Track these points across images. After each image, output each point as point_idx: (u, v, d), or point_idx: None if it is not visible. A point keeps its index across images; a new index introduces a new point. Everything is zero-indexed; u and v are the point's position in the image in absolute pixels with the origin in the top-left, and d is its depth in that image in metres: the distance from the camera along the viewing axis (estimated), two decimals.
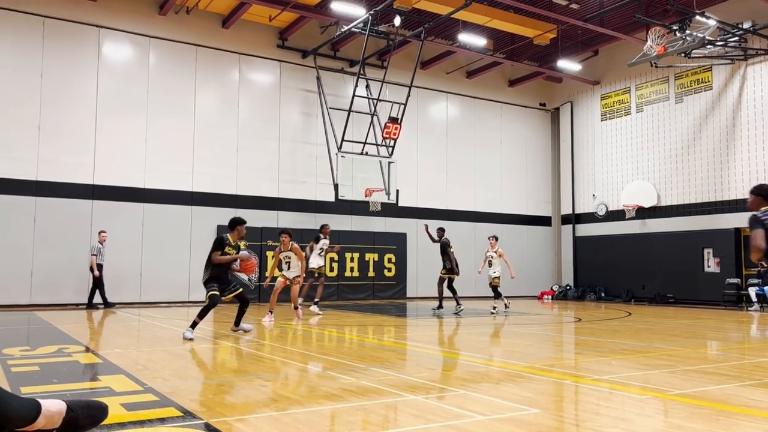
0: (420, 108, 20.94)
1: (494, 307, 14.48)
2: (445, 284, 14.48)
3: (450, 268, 14.37)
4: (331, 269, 18.25)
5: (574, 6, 17.87)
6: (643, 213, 20.60)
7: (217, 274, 8.98)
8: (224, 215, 16.63)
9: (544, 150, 24.05)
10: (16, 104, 15.12)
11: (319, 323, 11.83)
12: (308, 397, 5.02)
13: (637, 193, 20.69)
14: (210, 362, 7.21)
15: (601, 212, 22.01)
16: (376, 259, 19.78)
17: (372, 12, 15.99)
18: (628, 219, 20.89)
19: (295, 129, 18.94)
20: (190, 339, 8.52)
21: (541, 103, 23.97)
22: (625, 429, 3.99)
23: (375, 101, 18.42)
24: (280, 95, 18.77)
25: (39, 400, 3.22)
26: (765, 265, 13.68)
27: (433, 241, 14.82)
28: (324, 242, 14.12)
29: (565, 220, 23.46)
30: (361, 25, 16.56)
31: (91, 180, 15.84)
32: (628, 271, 20.67)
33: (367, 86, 19.16)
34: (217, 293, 8.91)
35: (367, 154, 18.03)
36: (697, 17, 15.67)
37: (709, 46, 16.74)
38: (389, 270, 20.02)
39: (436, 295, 14.85)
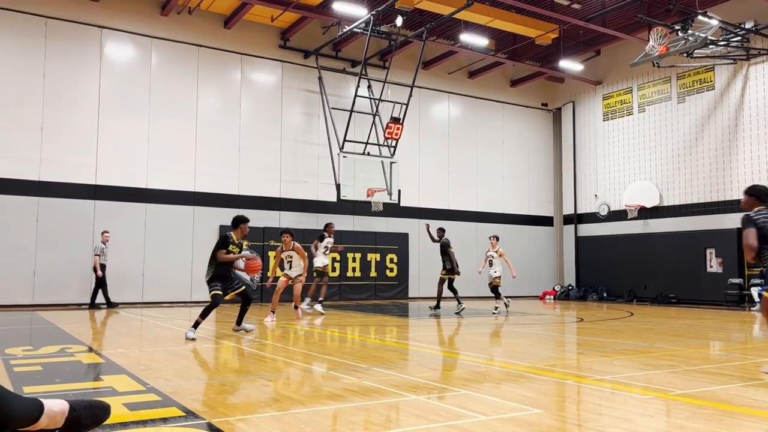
0: (422, 108, 20.93)
1: (496, 308, 14.47)
2: (446, 285, 14.50)
3: (450, 268, 14.37)
4: (333, 269, 18.24)
5: (576, 6, 17.86)
6: (645, 213, 20.58)
7: (221, 273, 8.99)
8: (226, 215, 16.61)
9: (546, 150, 24.03)
10: (18, 104, 15.15)
11: (321, 323, 11.84)
12: (310, 397, 5.02)
13: (639, 193, 20.67)
14: (212, 362, 7.22)
15: (603, 212, 21.99)
16: (378, 259, 19.78)
17: (374, 12, 16.00)
18: (631, 219, 20.87)
19: (297, 129, 18.95)
20: (192, 339, 8.53)
21: (543, 103, 23.96)
22: (627, 429, 3.99)
23: (377, 101, 18.42)
24: (282, 95, 18.78)
25: (41, 399, 3.22)
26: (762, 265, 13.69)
27: (434, 240, 14.82)
28: (328, 240, 14.22)
29: (567, 220, 23.44)
30: (363, 25, 16.56)
31: (93, 180, 15.87)
32: (631, 271, 20.65)
33: (369, 86, 19.16)
34: (220, 293, 8.92)
35: (369, 154, 18.04)
36: (700, 17, 15.65)
37: (711, 46, 16.72)
38: (391, 270, 20.02)
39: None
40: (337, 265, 18.71)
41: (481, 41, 18.50)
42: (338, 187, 17.24)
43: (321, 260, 14.14)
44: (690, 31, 15.66)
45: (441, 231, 14.73)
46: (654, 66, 19.03)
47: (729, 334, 10.80)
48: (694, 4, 15.95)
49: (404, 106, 18.08)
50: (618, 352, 8.05)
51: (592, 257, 22.33)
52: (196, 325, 8.79)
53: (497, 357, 7.84)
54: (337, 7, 16.18)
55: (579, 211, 23.01)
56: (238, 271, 9.42)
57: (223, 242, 9.00)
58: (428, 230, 15.07)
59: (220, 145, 17.62)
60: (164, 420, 4.07)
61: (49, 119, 15.44)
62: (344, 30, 17.31)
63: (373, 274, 19.69)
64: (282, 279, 12.10)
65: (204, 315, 8.86)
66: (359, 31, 17.04)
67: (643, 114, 20.96)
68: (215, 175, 17.46)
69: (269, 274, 12.91)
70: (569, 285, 22.77)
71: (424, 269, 19.98)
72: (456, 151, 21.75)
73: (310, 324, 11.55)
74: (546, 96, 23.97)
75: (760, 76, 17.81)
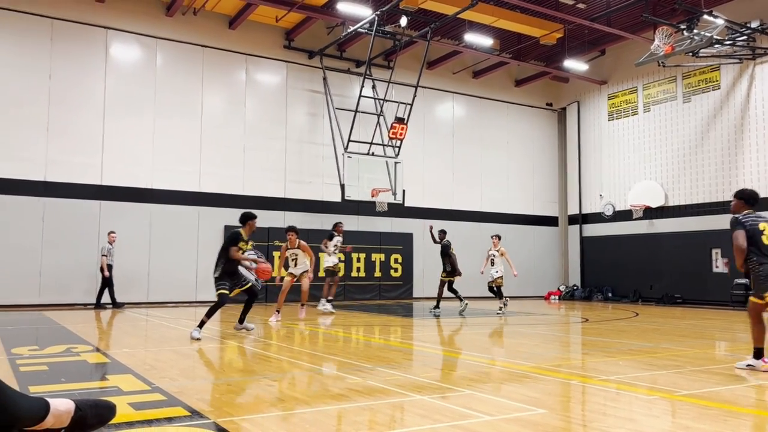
0: (426, 108, 20.92)
1: (500, 308, 14.47)
2: (446, 287, 14.54)
3: (450, 270, 14.41)
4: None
5: (580, 5, 17.82)
6: (650, 213, 20.52)
7: (230, 269, 9.05)
8: (231, 215, 16.68)
9: (551, 150, 23.99)
10: (24, 105, 15.21)
11: (321, 323, 11.84)
12: (315, 396, 5.03)
13: (645, 193, 20.61)
14: (217, 362, 7.24)
15: (609, 212, 21.94)
16: (383, 259, 19.79)
17: (378, 12, 16.00)
18: (636, 219, 20.81)
19: (301, 129, 18.97)
20: (198, 339, 8.55)
21: (548, 103, 23.91)
22: (632, 429, 3.98)
23: (381, 101, 18.42)
24: (287, 96, 18.80)
25: (47, 399, 3.24)
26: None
27: (435, 242, 14.86)
28: (338, 239, 14.31)
29: (572, 220, 23.40)
30: (368, 25, 16.57)
31: (98, 180, 15.92)
32: (636, 271, 20.59)
33: (374, 86, 19.15)
34: (227, 292, 8.95)
35: (373, 154, 18.04)
36: (705, 16, 15.59)
37: (717, 46, 16.65)
38: (395, 270, 20.03)
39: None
40: (341, 265, 18.64)
41: (485, 41, 18.48)
42: (343, 187, 17.24)
43: (331, 259, 14.23)
44: (695, 31, 15.60)
45: (442, 233, 14.74)
46: (659, 65, 18.95)
47: (735, 335, 10.75)
48: (699, 3, 15.89)
49: (409, 106, 18.08)
50: (623, 352, 8.04)
51: (597, 257, 22.28)
52: (201, 324, 8.82)
53: (501, 357, 7.84)
54: (342, 8, 16.18)
55: (584, 211, 22.96)
56: (243, 270, 9.46)
57: (234, 239, 9.04)
58: (431, 232, 15.10)
59: (225, 146, 17.65)
60: (169, 419, 4.08)
61: (55, 120, 15.50)
62: (349, 30, 17.32)
63: (377, 274, 19.70)
64: (287, 279, 12.10)
65: (209, 314, 8.89)
66: (364, 31, 17.04)
67: (648, 114, 20.90)
68: (220, 175, 17.49)
69: (275, 273, 12.93)
70: (574, 285, 22.72)
71: (428, 269, 19.97)
72: (460, 151, 21.73)
73: (314, 324, 11.55)
74: (551, 96, 23.93)
75: (766, 76, 17.73)
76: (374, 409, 4.49)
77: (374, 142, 18.04)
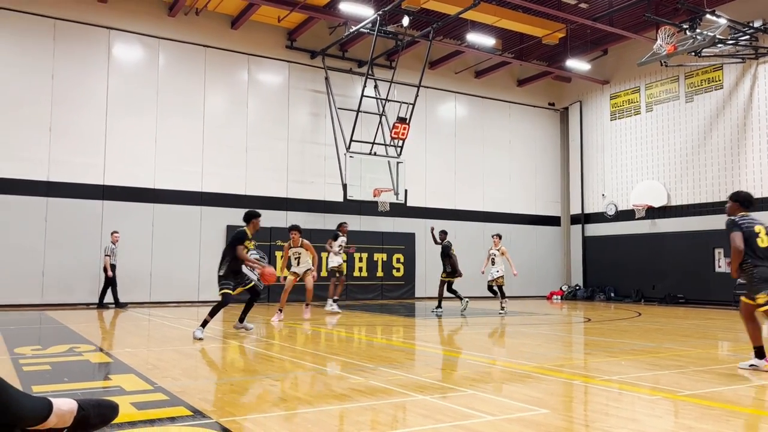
0: (428, 108, 20.92)
1: (503, 308, 14.47)
2: (446, 287, 14.57)
3: (450, 271, 14.43)
4: None
5: (583, 5, 17.80)
6: (653, 213, 20.49)
7: (235, 267, 9.10)
8: (233, 215, 16.72)
9: (553, 150, 23.98)
10: (27, 105, 15.24)
11: (328, 323, 11.85)
12: (317, 396, 5.03)
13: (647, 193, 20.58)
14: (219, 362, 7.24)
15: (611, 212, 21.92)
16: (385, 259, 19.79)
17: (380, 12, 16.00)
18: (638, 219, 20.78)
19: (303, 129, 18.98)
20: (200, 339, 8.56)
21: (550, 103, 23.89)
22: (634, 430, 3.98)
23: (383, 101, 18.42)
24: (289, 96, 18.81)
25: (50, 398, 3.24)
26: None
27: (436, 243, 14.88)
28: (342, 239, 14.36)
29: (575, 220, 23.38)
30: (370, 25, 16.57)
31: (101, 180, 15.95)
32: (638, 271, 20.56)
33: (376, 86, 19.16)
34: (231, 292, 8.98)
35: (375, 154, 18.04)
36: (708, 16, 15.56)
37: (719, 45, 16.63)
38: (398, 270, 20.03)
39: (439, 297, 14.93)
40: (343, 265, 18.71)
41: (487, 41, 18.47)
42: (345, 187, 17.25)
43: (336, 259, 14.27)
44: (698, 30, 15.58)
45: (443, 234, 14.77)
46: (662, 65, 18.94)
47: (737, 335, 10.72)
48: (702, 2, 15.86)
49: (411, 106, 18.08)
50: (626, 352, 8.03)
51: (600, 257, 22.25)
52: (204, 324, 8.83)
53: (504, 357, 7.83)
54: (344, 8, 16.18)
55: (586, 211, 22.94)
56: (246, 269, 9.49)
57: (241, 238, 9.07)
58: (432, 233, 15.14)
59: (227, 146, 17.67)
60: (172, 419, 4.09)
61: (58, 120, 15.53)
62: (351, 30, 17.32)
63: (379, 274, 19.70)
64: (290, 278, 12.12)
65: (212, 314, 8.91)
66: (366, 31, 17.04)
67: (650, 113, 20.87)
68: (222, 175, 17.51)
69: (279, 274, 12.94)
70: (576, 285, 22.70)
71: (430, 269, 19.96)
72: (463, 151, 21.73)
73: (318, 324, 11.56)
74: (553, 95, 23.91)
75: None
76: (376, 409, 4.49)
77: (376, 142, 18.04)
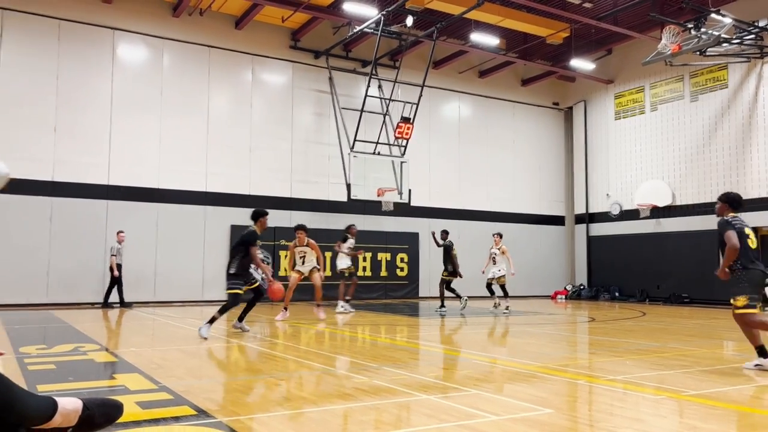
0: (432, 108, 20.91)
1: (507, 307, 14.47)
2: (445, 286, 14.61)
3: (451, 271, 14.47)
4: None
5: (587, 5, 17.76)
6: (657, 212, 20.43)
7: (245, 265, 9.15)
8: (238, 215, 16.75)
9: (558, 149, 23.93)
10: (32, 105, 15.29)
11: (331, 323, 11.86)
12: (321, 396, 5.03)
13: (652, 193, 20.53)
14: (224, 361, 7.25)
15: (615, 212, 21.86)
16: (389, 258, 19.79)
17: (384, 12, 16.00)
18: (643, 218, 20.73)
19: (307, 129, 18.99)
20: (205, 338, 8.57)
21: (555, 103, 23.86)
22: (639, 430, 3.97)
23: (387, 101, 18.43)
24: (293, 96, 18.83)
25: (55, 398, 3.25)
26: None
27: (438, 245, 14.92)
28: (351, 242, 14.39)
29: (579, 219, 23.33)
30: (374, 25, 16.56)
31: (105, 180, 15.99)
32: (643, 270, 20.51)
33: (380, 86, 19.16)
34: (240, 292, 9.02)
35: (379, 154, 18.04)
36: (713, 15, 15.51)
37: (724, 44, 16.56)
38: (402, 270, 20.03)
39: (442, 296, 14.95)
40: (352, 267, 18.72)
41: (491, 41, 18.44)
42: (349, 186, 17.25)
43: (345, 262, 14.30)
44: (703, 30, 15.53)
45: (445, 233, 14.80)
46: (666, 65, 18.88)
47: (742, 335, 10.67)
48: (707, 2, 15.82)
49: (414, 106, 18.08)
50: (630, 352, 8.01)
51: (604, 257, 22.21)
52: (212, 320, 8.78)
53: (508, 357, 7.82)
54: (348, 8, 16.19)
55: (591, 211, 22.89)
56: (252, 268, 9.54)
57: (254, 238, 9.12)
58: (433, 236, 15.17)
59: (231, 145, 17.69)
60: (176, 419, 4.10)
61: (62, 120, 15.57)
62: (355, 30, 17.32)
63: (383, 273, 19.70)
64: (294, 276, 12.14)
65: (222, 312, 8.94)
66: (370, 31, 17.04)
67: (655, 113, 20.82)
68: (226, 175, 17.54)
69: (283, 273, 12.96)
70: (581, 285, 22.66)
71: (434, 269, 19.88)
72: (466, 151, 21.71)
73: (323, 323, 11.56)
74: (557, 95, 23.87)
75: None
76: (380, 409, 4.49)
77: (380, 141, 18.04)
